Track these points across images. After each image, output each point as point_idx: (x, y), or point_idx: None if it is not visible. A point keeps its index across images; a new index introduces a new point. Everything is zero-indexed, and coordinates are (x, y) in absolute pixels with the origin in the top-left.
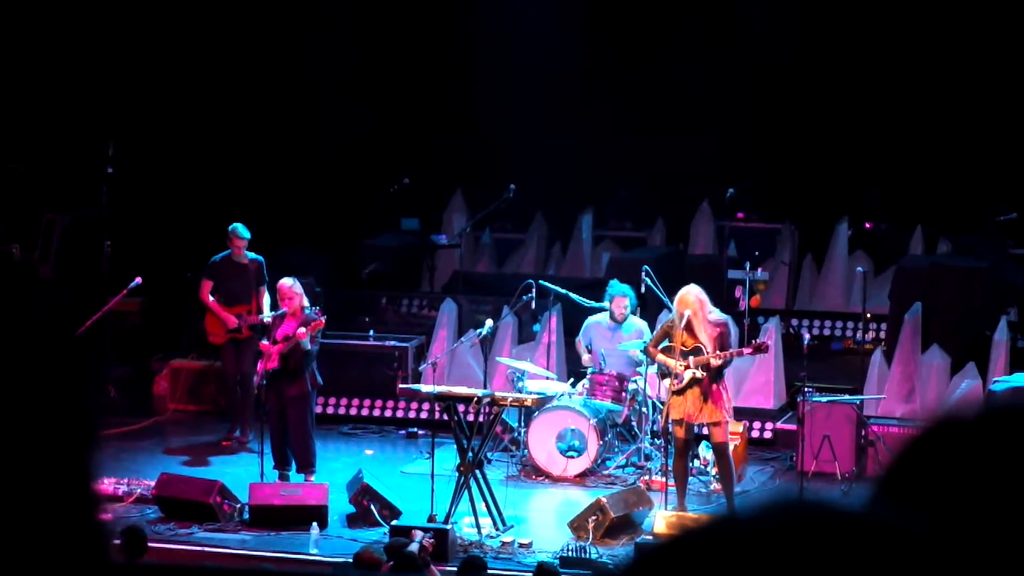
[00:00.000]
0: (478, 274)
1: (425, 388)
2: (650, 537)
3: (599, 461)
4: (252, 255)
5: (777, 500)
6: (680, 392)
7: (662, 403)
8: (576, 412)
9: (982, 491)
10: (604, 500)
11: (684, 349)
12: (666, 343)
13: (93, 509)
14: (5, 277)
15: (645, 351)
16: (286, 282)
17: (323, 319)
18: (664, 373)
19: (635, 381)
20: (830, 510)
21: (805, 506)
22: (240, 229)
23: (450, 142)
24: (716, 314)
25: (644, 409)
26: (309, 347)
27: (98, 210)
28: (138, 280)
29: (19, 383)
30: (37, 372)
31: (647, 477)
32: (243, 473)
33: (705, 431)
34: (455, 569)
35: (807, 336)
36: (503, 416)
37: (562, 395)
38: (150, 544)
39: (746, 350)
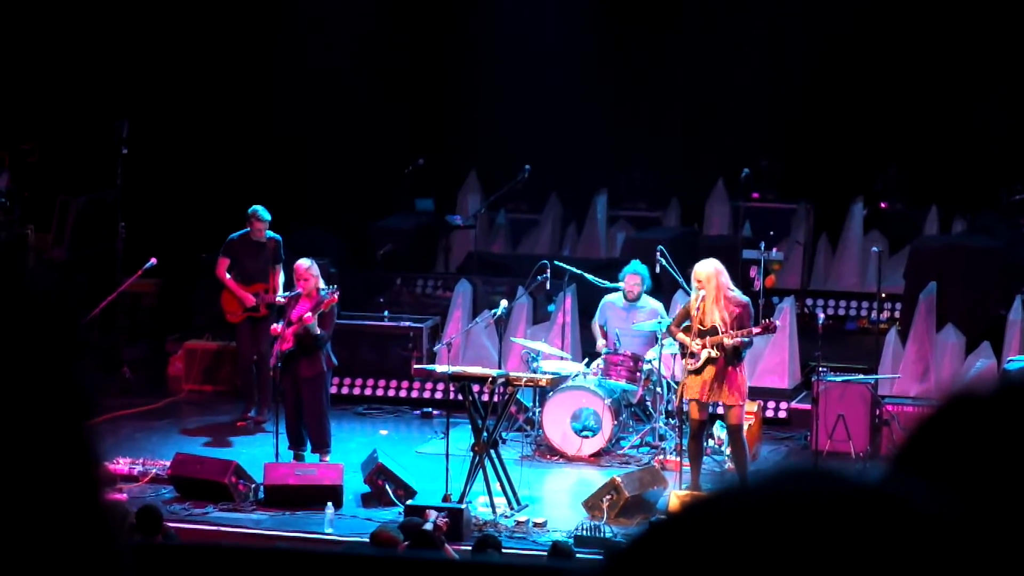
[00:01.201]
0: (493, 255)
1: (440, 368)
2: (664, 517)
3: (613, 441)
4: (270, 233)
5: (785, 471)
6: (697, 372)
7: (676, 383)
8: (591, 392)
9: (997, 468)
10: (618, 480)
11: (701, 328)
12: (688, 323)
13: (98, 490)
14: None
15: (667, 330)
16: (303, 263)
17: (335, 296)
18: (684, 352)
19: (649, 361)
20: (839, 481)
21: (814, 477)
22: (261, 211)
23: (465, 123)
24: (737, 294)
25: (659, 389)
26: (318, 331)
27: (113, 191)
28: (153, 261)
29: (14, 361)
30: (32, 350)
31: (661, 457)
32: (258, 453)
33: (720, 411)
34: (470, 548)
35: (822, 316)
36: (518, 396)
37: (577, 375)
38: (165, 524)
39: (755, 329)
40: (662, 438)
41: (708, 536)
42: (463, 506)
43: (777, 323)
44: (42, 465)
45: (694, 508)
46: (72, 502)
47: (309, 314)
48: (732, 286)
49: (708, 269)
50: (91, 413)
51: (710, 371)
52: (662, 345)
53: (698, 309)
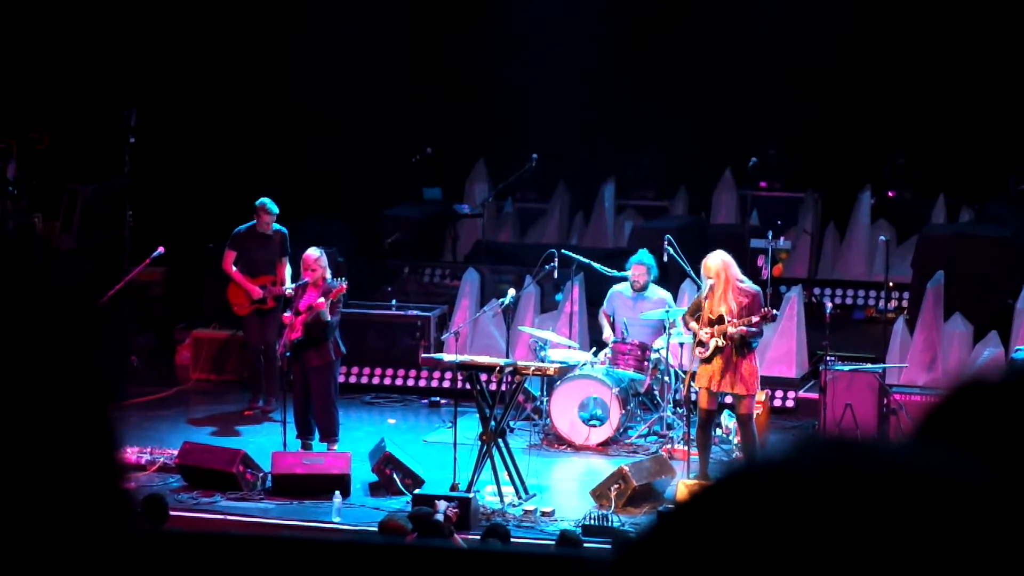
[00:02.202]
0: (500, 243)
1: (447, 357)
2: (672, 506)
3: (621, 430)
4: (276, 226)
5: (790, 451)
6: (707, 361)
7: (684, 372)
8: (598, 381)
9: (1006, 458)
10: (626, 469)
11: (711, 318)
12: (700, 313)
13: (117, 477)
14: (21, 246)
15: (682, 319)
16: (312, 253)
17: (344, 285)
18: (698, 342)
19: (657, 350)
20: (872, 450)
21: (842, 447)
22: (268, 204)
23: (472, 112)
24: (747, 284)
25: (666, 378)
26: (328, 318)
27: (120, 180)
28: (160, 250)
29: (38, 349)
30: (55, 337)
31: (669, 446)
32: (266, 442)
33: (729, 400)
34: (478, 537)
35: (829, 305)
36: (525, 385)
37: (584, 364)
38: (172, 513)
39: (755, 319)
40: (670, 427)
41: (719, 522)
42: (471, 495)
43: (775, 312)
44: (64, 450)
45: (703, 496)
46: (93, 487)
47: (321, 299)
48: (742, 276)
49: (716, 261)
50: (111, 399)
51: (719, 361)
52: (669, 334)
53: (707, 299)
